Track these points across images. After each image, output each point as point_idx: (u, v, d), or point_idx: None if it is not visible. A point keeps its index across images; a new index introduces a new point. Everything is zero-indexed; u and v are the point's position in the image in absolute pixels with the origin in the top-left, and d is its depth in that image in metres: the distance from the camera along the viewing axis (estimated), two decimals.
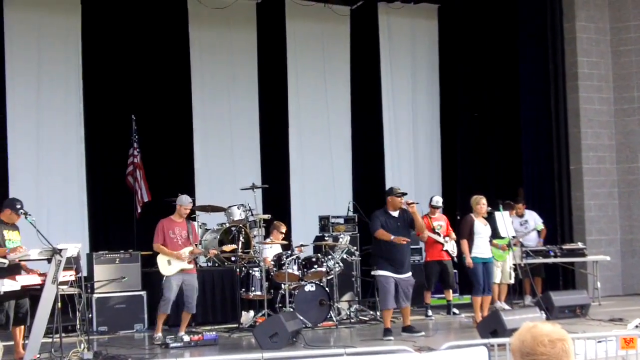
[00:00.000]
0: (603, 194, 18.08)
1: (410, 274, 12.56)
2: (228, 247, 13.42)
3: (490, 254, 13.48)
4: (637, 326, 12.39)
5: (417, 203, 12.66)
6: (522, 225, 16.69)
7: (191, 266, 12.19)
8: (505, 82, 18.97)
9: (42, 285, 10.00)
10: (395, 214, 12.54)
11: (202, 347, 11.58)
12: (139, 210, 16.10)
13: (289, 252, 13.84)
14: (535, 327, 3.09)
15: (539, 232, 16.92)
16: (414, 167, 19.13)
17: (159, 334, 12.19)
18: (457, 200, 18.01)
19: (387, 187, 17.96)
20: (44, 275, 10.11)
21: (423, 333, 12.43)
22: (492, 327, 11.10)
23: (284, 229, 14.55)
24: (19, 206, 10.50)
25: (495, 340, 8.48)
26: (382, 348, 8.65)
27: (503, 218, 13.33)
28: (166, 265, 12.16)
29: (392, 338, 12.10)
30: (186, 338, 11.71)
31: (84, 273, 13.41)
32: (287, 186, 18.11)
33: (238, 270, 13.89)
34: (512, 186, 18.38)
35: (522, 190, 18.30)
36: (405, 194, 12.78)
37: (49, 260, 9.95)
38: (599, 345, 9.26)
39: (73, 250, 10.23)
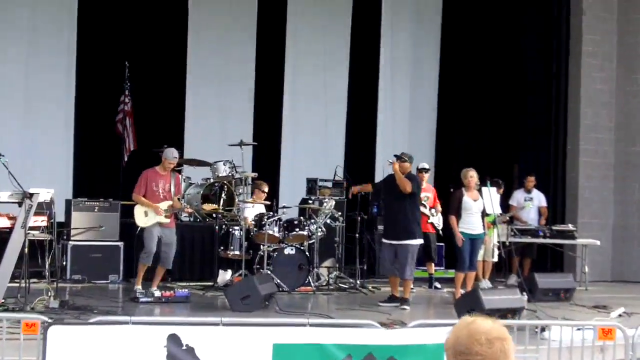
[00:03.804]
0: (599, 176, 17.75)
1: (406, 241, 12.19)
2: (208, 206, 13.12)
3: (481, 230, 13.16)
4: (620, 315, 12.15)
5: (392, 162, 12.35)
6: (527, 200, 16.44)
7: (168, 220, 11.85)
8: (507, 54, 18.61)
9: (11, 229, 9.73)
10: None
11: (172, 304, 11.32)
12: (126, 159, 15.87)
13: (271, 213, 13.54)
14: (473, 323, 2.77)
15: (540, 212, 16.66)
16: (408, 137, 18.78)
17: (139, 287, 11.89)
18: (452, 174, 17.68)
19: (379, 155, 17.89)
20: (14, 219, 9.84)
21: (407, 308, 12.15)
22: (470, 305, 10.80)
23: (266, 188, 14.27)
24: None
25: None
26: (348, 321, 8.37)
27: (490, 194, 13.01)
28: (142, 217, 11.84)
29: (388, 305, 12.01)
30: (157, 293, 11.45)
31: (62, 219, 13.22)
32: (278, 146, 17.83)
33: (217, 227, 13.61)
34: (508, 162, 18.07)
35: (517, 167, 18.01)
36: (398, 156, 12.47)
37: (21, 204, 9.66)
38: (576, 333, 8.98)
39: (45, 196, 9.97)
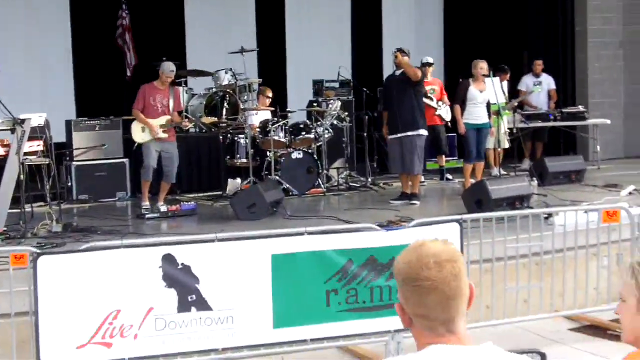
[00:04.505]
0: (608, 56, 17.41)
1: (411, 132, 11.96)
2: (207, 119, 12.97)
3: (486, 120, 13.06)
4: (630, 193, 12.08)
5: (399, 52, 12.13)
6: (535, 85, 16.20)
7: (165, 135, 11.73)
8: None
9: (6, 156, 9.66)
10: (399, 72, 12.16)
11: (180, 218, 11.28)
12: (129, 74, 15.72)
13: (275, 118, 13.39)
14: (422, 246, 2.62)
15: (550, 95, 16.44)
16: (415, 29, 18.47)
17: (146, 202, 11.87)
18: (461, 65, 17.39)
19: (386, 52, 17.58)
20: (8, 146, 9.76)
21: (417, 203, 12.07)
22: (477, 196, 10.75)
23: (269, 93, 14.07)
24: None
25: (468, 216, 8.10)
26: (347, 226, 8.29)
27: (493, 84, 12.80)
28: (139, 132, 11.72)
29: (398, 202, 11.98)
30: (163, 208, 11.40)
31: (63, 140, 13.15)
32: (283, 50, 17.62)
33: (222, 137, 13.49)
34: (517, 49, 17.71)
35: (526, 54, 17.64)
36: (399, 49, 12.25)
37: (13, 131, 9.55)
38: (583, 216, 8.89)
39: (38, 120, 9.84)
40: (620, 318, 2.77)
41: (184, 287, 6.99)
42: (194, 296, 7.02)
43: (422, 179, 14.20)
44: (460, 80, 13.45)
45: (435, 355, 2.56)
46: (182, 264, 6.99)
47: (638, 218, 8.73)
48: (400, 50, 12.24)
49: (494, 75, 13.31)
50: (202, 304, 7.03)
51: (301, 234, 7.39)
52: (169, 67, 11.95)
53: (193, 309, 7.03)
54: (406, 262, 2.62)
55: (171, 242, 7.37)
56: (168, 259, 6.92)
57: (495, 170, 14.44)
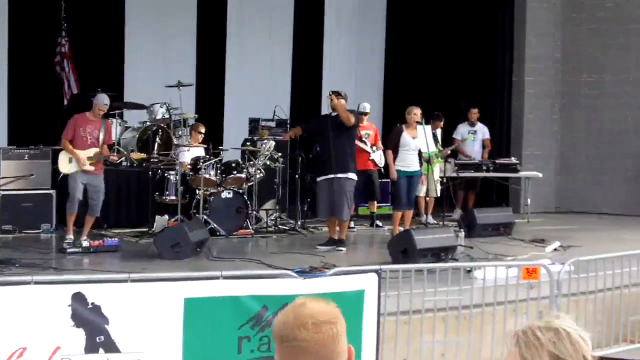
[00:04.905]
0: (544, 107, 17.59)
1: (341, 174, 11.94)
2: (136, 155, 12.82)
3: (417, 167, 13.12)
4: (555, 249, 12.16)
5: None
6: (471, 133, 16.32)
7: (92, 168, 11.57)
8: None
9: None
10: (334, 114, 12.15)
11: (102, 254, 11.11)
12: (66, 103, 15.52)
13: (207, 156, 13.30)
14: (301, 306, 2.56)
15: (484, 145, 16.56)
16: (355, 73, 18.55)
17: (70, 236, 11.67)
18: (399, 112, 17.49)
19: (325, 92, 17.59)
20: None
21: (344, 250, 12.02)
22: (403, 245, 10.74)
23: (202, 129, 13.99)
24: None
25: (387, 267, 8.09)
26: (264, 272, 8.23)
27: (424, 132, 12.85)
28: (66, 163, 11.55)
29: (325, 248, 11.91)
30: (85, 243, 11.21)
31: None
32: (222, 87, 17.54)
33: (152, 172, 13.36)
34: (455, 97, 17.81)
35: (464, 103, 17.76)
36: (335, 91, 12.25)
37: None
38: (502, 271, 8.93)
39: None
40: None
41: (93, 327, 6.85)
42: (102, 337, 6.89)
43: (352, 224, 14.17)
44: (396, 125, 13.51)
45: None
46: (92, 303, 6.86)
47: (558, 275, 8.78)
48: (335, 93, 12.24)
49: (427, 123, 13.37)
50: (111, 346, 6.90)
51: (217, 277, 7.30)
52: (102, 100, 11.85)
53: (101, 350, 6.89)
54: (283, 322, 2.57)
55: (82, 280, 7.23)
56: (78, 297, 6.78)
57: (424, 218, 14.50)
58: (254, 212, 13.64)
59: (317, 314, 2.55)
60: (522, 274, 8.58)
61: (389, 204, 15.88)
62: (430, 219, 14.56)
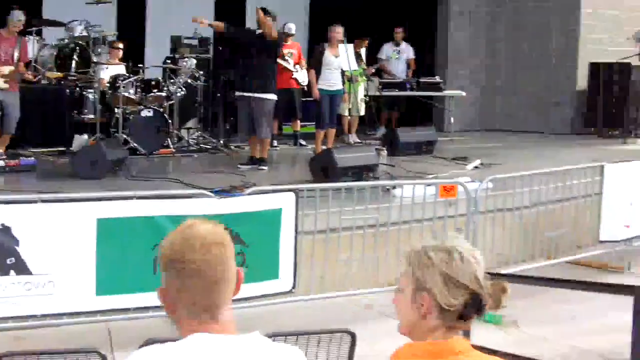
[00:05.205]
0: (469, 28, 17.54)
1: (260, 94, 11.69)
2: (52, 74, 12.51)
3: (340, 86, 13.05)
4: (476, 167, 12.23)
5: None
6: (395, 52, 16.25)
7: (6, 86, 11.26)
8: None
9: None
10: (259, 32, 11.92)
11: (18, 173, 10.86)
12: None
13: (128, 74, 13.03)
14: (191, 227, 2.48)
15: (408, 64, 16.52)
16: None
17: None
18: (325, 30, 17.26)
19: (250, 11, 17.28)
20: None
21: (265, 168, 11.93)
22: (324, 164, 10.67)
23: (119, 45, 13.70)
24: None
25: (304, 186, 8.05)
26: (179, 191, 8.11)
27: (346, 51, 12.75)
28: None
29: (246, 167, 11.76)
30: (1, 163, 10.97)
31: None
32: (143, 4, 17.12)
33: (69, 90, 13.06)
34: (381, 17, 17.62)
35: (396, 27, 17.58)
36: (263, 8, 11.99)
37: None
38: (419, 189, 8.96)
39: None
40: (396, 308, 2.69)
41: (3, 249, 6.73)
42: (13, 259, 6.77)
43: (275, 143, 14.12)
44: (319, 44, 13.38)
45: (197, 344, 2.44)
46: (2, 224, 6.73)
47: (475, 193, 8.82)
48: (263, 9, 11.97)
49: (352, 42, 13.26)
50: (22, 268, 6.79)
51: (130, 198, 7.19)
52: (16, 16, 11.51)
53: (12, 272, 6.79)
54: (171, 243, 2.49)
55: None
56: None
57: (349, 138, 14.47)
58: (175, 131, 13.45)
59: (205, 235, 2.46)
60: (440, 191, 8.61)
61: (313, 123, 15.81)
62: (354, 138, 14.54)
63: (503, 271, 9.00)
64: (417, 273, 2.59)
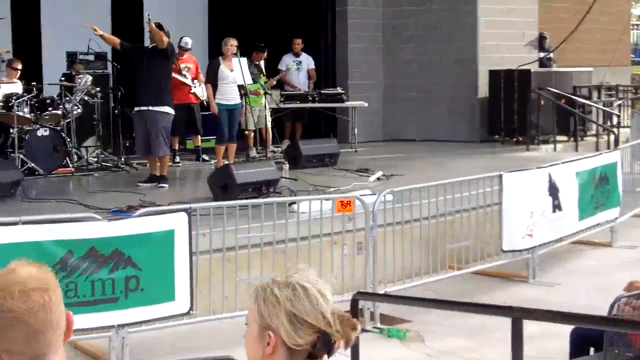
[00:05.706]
0: (368, 38, 17.61)
1: (155, 107, 11.45)
2: None
3: (238, 100, 12.96)
4: (378, 178, 12.21)
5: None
6: (295, 63, 16.19)
7: None
8: None
9: None
10: (152, 45, 11.77)
11: None
12: None
13: (23, 92, 12.71)
14: (10, 273, 2.32)
15: (309, 75, 16.48)
16: (175, 10, 17.94)
17: None
18: None
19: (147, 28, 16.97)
20: None
21: (166, 186, 11.72)
22: (223, 181, 10.51)
23: (19, 65, 13.38)
24: None
25: (197, 205, 7.90)
26: (66, 215, 7.87)
27: (240, 64, 12.65)
28: None
29: (146, 185, 11.57)
30: None
31: None
32: (38, 19, 16.74)
33: None
34: (280, 28, 17.56)
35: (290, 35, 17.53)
36: (158, 23, 11.75)
37: None
38: (316, 204, 8.90)
39: None
40: (245, 345, 2.59)
41: None
42: None
43: (177, 159, 13.95)
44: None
45: None
46: None
47: (373, 206, 8.75)
48: (157, 23, 11.70)
49: (250, 54, 13.17)
50: None
51: (15, 223, 6.94)
52: None
53: None
54: None
55: None
56: None
57: (253, 152, 14.35)
58: (74, 150, 13.17)
59: (25, 281, 2.30)
60: (337, 207, 8.52)
61: (214, 137, 15.66)
62: (256, 153, 14.41)
63: (407, 285, 9.00)
64: (263, 311, 2.49)
